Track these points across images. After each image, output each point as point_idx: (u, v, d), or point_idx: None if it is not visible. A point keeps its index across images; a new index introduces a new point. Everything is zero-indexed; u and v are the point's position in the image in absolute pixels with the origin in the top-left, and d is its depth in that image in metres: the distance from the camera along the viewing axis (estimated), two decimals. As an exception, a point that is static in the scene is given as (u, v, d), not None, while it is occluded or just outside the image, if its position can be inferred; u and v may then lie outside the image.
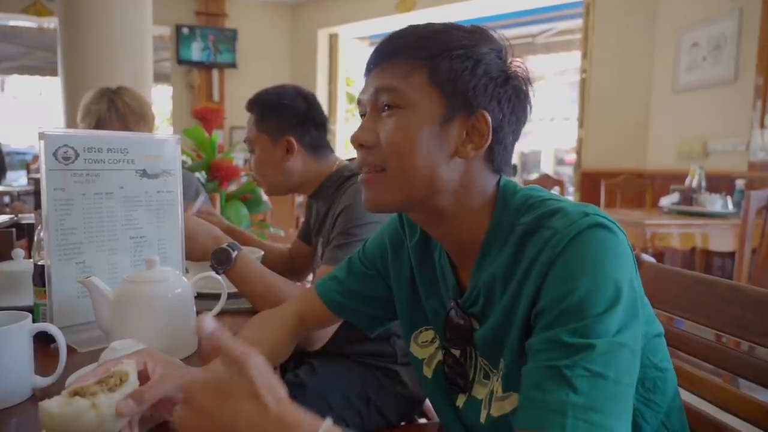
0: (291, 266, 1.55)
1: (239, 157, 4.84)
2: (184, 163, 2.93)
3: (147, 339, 0.75)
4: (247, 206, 2.88)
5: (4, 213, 2.01)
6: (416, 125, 0.66)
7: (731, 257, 3.15)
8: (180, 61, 6.40)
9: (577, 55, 5.34)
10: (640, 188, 4.30)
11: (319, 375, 1.25)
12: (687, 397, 0.84)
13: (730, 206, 3.16)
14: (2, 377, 0.67)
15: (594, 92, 4.81)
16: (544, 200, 0.67)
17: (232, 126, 6.32)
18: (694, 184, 3.40)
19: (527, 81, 0.70)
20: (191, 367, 0.68)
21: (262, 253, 1.37)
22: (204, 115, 3.13)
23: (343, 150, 6.97)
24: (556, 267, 0.59)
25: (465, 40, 0.67)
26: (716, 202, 3.18)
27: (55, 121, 5.53)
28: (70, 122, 3.32)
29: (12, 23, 6.90)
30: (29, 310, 0.81)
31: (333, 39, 6.82)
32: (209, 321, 0.53)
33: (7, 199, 4.04)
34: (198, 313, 0.91)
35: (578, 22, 5.39)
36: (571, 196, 5.10)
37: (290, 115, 1.31)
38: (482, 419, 0.71)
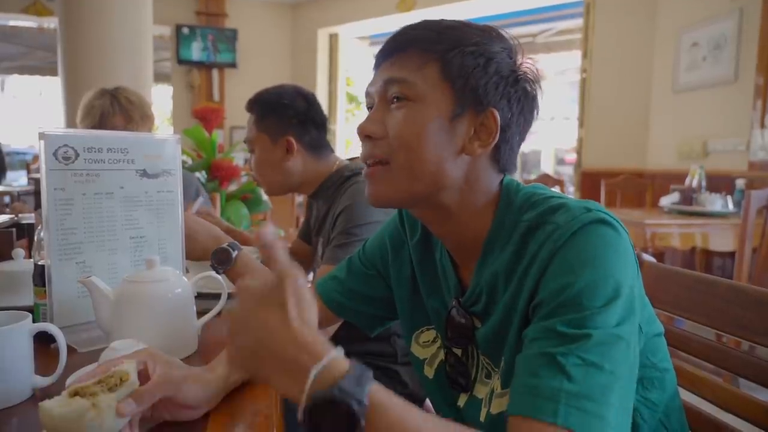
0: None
1: (239, 157, 4.84)
2: (184, 163, 2.93)
3: (147, 339, 0.75)
4: (247, 206, 2.88)
5: (4, 213, 2.01)
6: (425, 119, 0.66)
7: (731, 257, 3.15)
8: (180, 61, 6.40)
9: (577, 54, 5.33)
10: (640, 188, 4.29)
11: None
12: (687, 396, 0.84)
13: (731, 206, 3.16)
14: (2, 377, 0.67)
15: (594, 92, 4.81)
16: (547, 197, 0.67)
17: (232, 126, 6.32)
18: (695, 183, 3.39)
19: (537, 82, 0.70)
20: (191, 367, 0.68)
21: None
22: (204, 115, 3.14)
23: (343, 150, 6.97)
24: (557, 260, 0.59)
25: (477, 38, 0.66)
26: (716, 202, 3.18)
27: (55, 121, 5.53)
28: (70, 122, 3.31)
29: (12, 23, 6.89)
30: (29, 310, 0.81)
31: (333, 39, 6.81)
32: (271, 229, 0.53)
33: (7, 199, 4.05)
34: (198, 313, 0.91)
35: (578, 22, 5.39)
36: (571, 195, 5.08)
37: (290, 115, 1.31)
38: (482, 418, 0.70)
